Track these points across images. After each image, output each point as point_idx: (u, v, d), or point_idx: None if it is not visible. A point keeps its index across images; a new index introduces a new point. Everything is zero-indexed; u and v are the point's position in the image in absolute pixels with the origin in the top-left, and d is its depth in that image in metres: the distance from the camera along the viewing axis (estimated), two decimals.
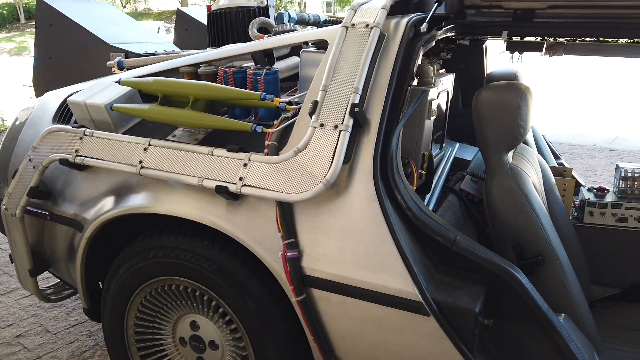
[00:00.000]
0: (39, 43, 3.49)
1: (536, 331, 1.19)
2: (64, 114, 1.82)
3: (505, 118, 1.45)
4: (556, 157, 2.30)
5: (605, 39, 1.57)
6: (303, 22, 2.06)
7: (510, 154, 1.54)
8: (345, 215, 1.24)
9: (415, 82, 1.56)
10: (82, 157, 1.53)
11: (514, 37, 1.61)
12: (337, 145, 1.20)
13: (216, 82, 1.60)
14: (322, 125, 1.23)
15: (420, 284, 1.16)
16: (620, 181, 1.95)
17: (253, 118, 1.55)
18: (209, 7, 2.38)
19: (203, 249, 1.41)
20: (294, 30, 1.91)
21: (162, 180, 1.45)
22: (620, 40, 1.59)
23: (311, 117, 1.25)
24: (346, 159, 1.22)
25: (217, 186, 1.31)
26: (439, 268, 1.24)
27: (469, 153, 2.10)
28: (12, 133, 1.92)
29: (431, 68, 1.57)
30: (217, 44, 2.31)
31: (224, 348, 1.51)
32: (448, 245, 1.18)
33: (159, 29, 15.87)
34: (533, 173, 1.62)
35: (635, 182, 1.93)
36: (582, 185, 2.10)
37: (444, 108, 1.78)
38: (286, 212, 1.27)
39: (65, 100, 1.82)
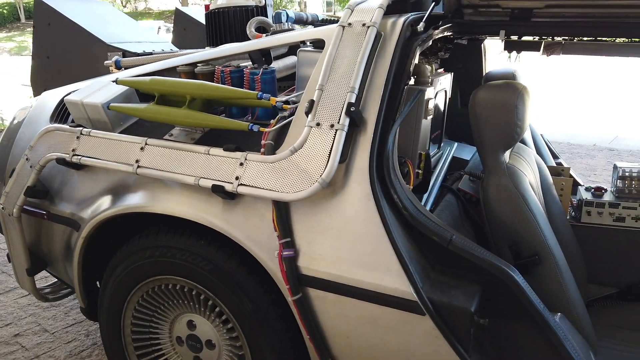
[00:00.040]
0: (37, 42, 3.49)
1: (532, 330, 1.19)
2: (61, 113, 1.82)
3: (502, 117, 1.45)
4: (554, 156, 2.29)
5: (603, 38, 1.56)
6: (301, 21, 2.06)
7: (507, 154, 1.54)
8: (342, 215, 1.24)
9: (412, 82, 1.56)
10: (79, 157, 1.53)
11: (511, 37, 1.61)
12: (333, 144, 1.20)
13: (213, 82, 1.60)
14: (318, 124, 1.23)
15: (416, 283, 1.16)
16: (618, 181, 1.95)
17: (250, 117, 1.55)
18: (207, 7, 2.38)
19: (200, 248, 1.41)
20: (292, 29, 1.91)
21: (158, 180, 1.45)
22: (618, 40, 1.59)
23: (307, 117, 1.25)
24: (342, 158, 1.22)
25: (214, 185, 1.31)
26: (434, 267, 1.24)
27: (468, 152, 2.10)
28: (9, 132, 1.92)
29: (428, 67, 1.57)
30: (215, 43, 2.31)
31: (221, 347, 1.51)
32: (444, 245, 1.18)
33: (159, 28, 15.83)
34: (530, 172, 1.62)
35: (633, 182, 1.93)
36: (580, 185, 2.10)
37: (441, 107, 1.78)
38: (282, 212, 1.27)
39: (62, 100, 1.82)
